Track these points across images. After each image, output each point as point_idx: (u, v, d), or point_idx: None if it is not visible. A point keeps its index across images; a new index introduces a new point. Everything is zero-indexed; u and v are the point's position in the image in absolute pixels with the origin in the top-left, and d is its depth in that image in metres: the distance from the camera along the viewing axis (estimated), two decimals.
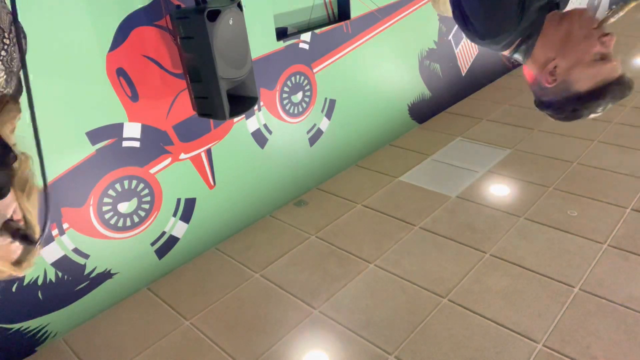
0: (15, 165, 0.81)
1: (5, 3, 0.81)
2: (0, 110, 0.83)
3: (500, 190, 3.34)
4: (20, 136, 0.87)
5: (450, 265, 2.68)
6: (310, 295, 2.57)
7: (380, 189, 3.48)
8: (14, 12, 0.76)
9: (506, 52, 1.07)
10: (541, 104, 1.08)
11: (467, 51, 4.64)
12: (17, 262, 0.86)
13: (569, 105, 1.02)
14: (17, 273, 0.86)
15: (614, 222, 2.89)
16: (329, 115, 3.44)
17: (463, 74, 4.73)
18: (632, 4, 0.97)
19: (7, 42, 0.79)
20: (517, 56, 1.06)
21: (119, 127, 2.33)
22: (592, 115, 1.03)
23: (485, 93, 5.02)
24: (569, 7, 1.06)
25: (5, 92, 0.84)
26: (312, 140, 3.40)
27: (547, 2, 1.01)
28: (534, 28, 1.01)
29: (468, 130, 4.22)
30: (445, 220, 3.06)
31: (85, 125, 2.21)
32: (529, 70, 1.07)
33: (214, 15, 2.12)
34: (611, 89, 0.97)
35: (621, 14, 0.98)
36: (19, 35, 0.79)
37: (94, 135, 2.25)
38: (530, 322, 2.28)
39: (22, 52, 0.78)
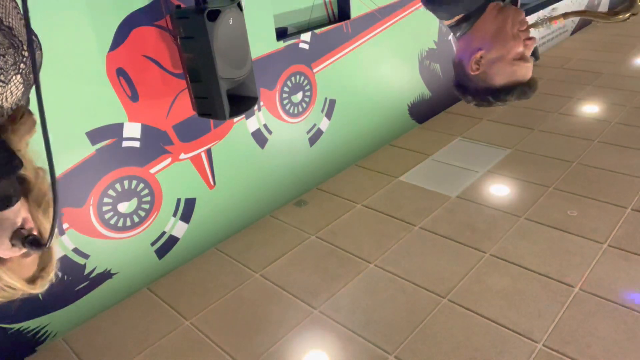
0: (31, 179, 0.80)
1: (22, 15, 0.80)
2: (17, 122, 0.82)
3: (500, 190, 3.34)
4: (35, 151, 0.85)
5: (450, 265, 2.68)
6: (310, 295, 2.57)
7: (380, 189, 3.48)
8: (27, 23, 0.75)
9: (446, 23, 1.15)
10: (460, 87, 1.17)
11: None
12: (32, 280, 0.84)
13: (483, 95, 1.12)
14: (31, 290, 0.84)
15: (614, 222, 2.89)
16: (329, 115, 3.44)
17: None
18: (561, 20, 1.06)
19: (26, 54, 0.78)
20: (455, 30, 1.13)
21: (119, 127, 2.33)
22: (499, 104, 1.13)
23: None
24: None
25: (20, 104, 0.83)
26: (312, 140, 3.40)
27: None
28: (476, 11, 1.08)
29: (468, 130, 4.22)
30: (445, 220, 3.06)
31: (85, 125, 2.21)
32: (458, 50, 1.15)
33: (214, 15, 2.12)
34: (520, 89, 1.07)
35: (547, 25, 1.08)
36: (32, 47, 0.78)
37: (94, 135, 2.25)
38: (530, 322, 2.28)
39: (37, 65, 0.77)
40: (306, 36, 3.08)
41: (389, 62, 3.81)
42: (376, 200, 3.36)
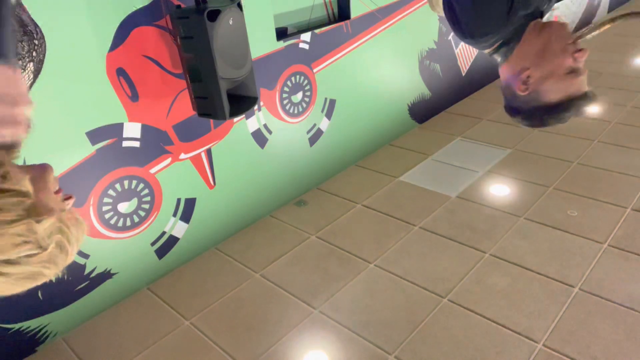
0: None
1: (24, 6, 0.81)
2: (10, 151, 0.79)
3: (500, 190, 3.34)
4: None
5: (450, 265, 2.68)
6: (310, 295, 2.57)
7: (380, 189, 3.48)
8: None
9: (486, 52, 1.10)
10: (510, 109, 1.12)
11: (467, 51, 4.64)
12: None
13: (536, 114, 1.07)
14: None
15: (614, 222, 2.89)
16: (329, 115, 3.44)
17: (463, 74, 4.73)
18: (607, 26, 1.02)
19: (37, 42, 0.79)
20: (496, 57, 1.09)
21: (119, 127, 2.33)
22: (557, 124, 1.08)
23: (485, 93, 5.02)
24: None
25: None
26: (312, 140, 3.40)
27: (532, 11, 1.04)
28: (516, 33, 1.04)
29: (468, 130, 4.22)
30: (445, 220, 3.06)
31: (85, 125, 2.21)
32: (504, 74, 1.11)
33: (214, 15, 2.12)
34: (577, 103, 1.03)
35: (597, 32, 1.03)
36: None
37: (94, 135, 2.25)
38: (530, 322, 2.28)
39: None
40: (306, 36, 3.08)
41: (389, 62, 3.81)
42: (376, 200, 3.36)
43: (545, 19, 1.08)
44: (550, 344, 2.16)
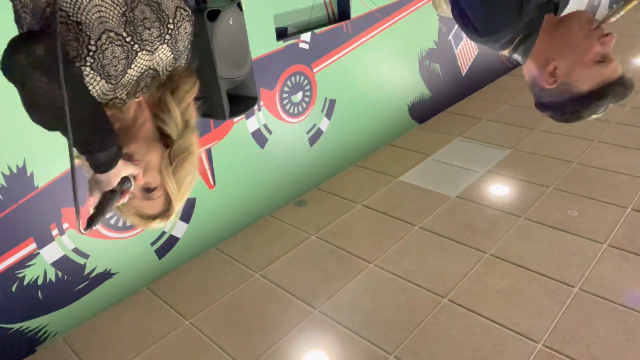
0: (175, 136, 0.96)
1: None
2: (175, 81, 0.94)
3: (500, 190, 3.34)
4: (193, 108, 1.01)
5: (450, 265, 2.68)
6: (310, 295, 2.57)
7: (380, 189, 3.48)
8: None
9: (505, 52, 1.06)
10: (541, 106, 1.07)
11: (467, 51, 4.64)
12: (151, 218, 0.98)
13: (569, 107, 1.01)
14: (148, 227, 0.99)
15: (614, 222, 2.89)
16: (329, 115, 3.44)
17: (463, 74, 4.73)
18: (634, 3, 0.96)
19: (171, 27, 0.90)
20: (517, 56, 1.05)
21: None
22: (593, 116, 1.02)
23: (485, 93, 5.02)
24: (569, 6, 1.06)
25: (176, 65, 0.96)
26: (312, 140, 3.40)
27: (546, 1, 1.01)
28: (533, 26, 1.00)
29: (468, 130, 4.22)
30: (445, 220, 3.06)
31: None
32: (528, 71, 1.06)
33: (214, 15, 2.12)
34: (612, 89, 0.96)
35: (622, 13, 0.97)
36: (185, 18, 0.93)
37: None
38: (530, 322, 2.28)
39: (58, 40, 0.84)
40: (306, 36, 3.08)
41: (389, 62, 3.81)
42: (376, 200, 3.36)
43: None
44: (550, 344, 2.16)
